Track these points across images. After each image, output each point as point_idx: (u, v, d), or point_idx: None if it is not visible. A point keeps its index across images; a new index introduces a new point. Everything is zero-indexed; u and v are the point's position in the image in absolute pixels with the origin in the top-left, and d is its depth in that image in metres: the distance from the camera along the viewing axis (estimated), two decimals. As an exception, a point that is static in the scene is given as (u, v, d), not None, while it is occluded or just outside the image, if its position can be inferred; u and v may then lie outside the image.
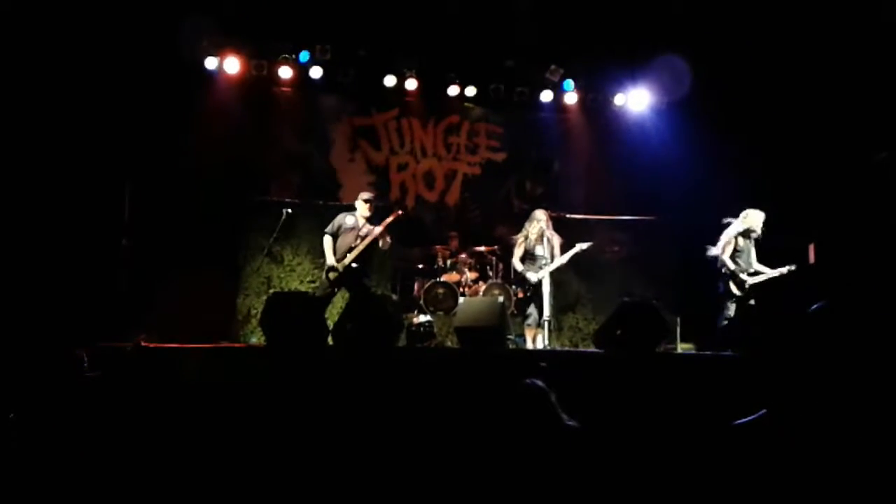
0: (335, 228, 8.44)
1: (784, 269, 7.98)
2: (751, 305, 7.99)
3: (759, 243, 8.14)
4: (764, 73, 9.44)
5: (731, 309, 8.03)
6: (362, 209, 8.45)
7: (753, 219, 8.08)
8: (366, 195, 8.55)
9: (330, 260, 8.34)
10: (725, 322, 8.05)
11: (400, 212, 8.56)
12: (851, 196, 8.97)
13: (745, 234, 8.09)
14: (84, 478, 3.89)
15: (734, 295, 8.00)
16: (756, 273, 8.04)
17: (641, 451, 3.80)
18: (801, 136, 9.36)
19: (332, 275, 8.31)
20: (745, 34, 9.19)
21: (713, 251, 8.14)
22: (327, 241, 8.42)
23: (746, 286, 7.96)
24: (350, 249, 8.28)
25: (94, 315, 7.47)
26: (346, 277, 8.30)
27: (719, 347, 7.77)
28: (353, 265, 8.26)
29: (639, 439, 3.84)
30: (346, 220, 8.44)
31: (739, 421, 2.61)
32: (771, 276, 7.98)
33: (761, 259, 8.16)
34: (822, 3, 8.62)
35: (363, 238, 8.28)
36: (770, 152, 9.53)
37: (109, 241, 8.65)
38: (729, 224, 8.14)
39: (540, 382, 3.72)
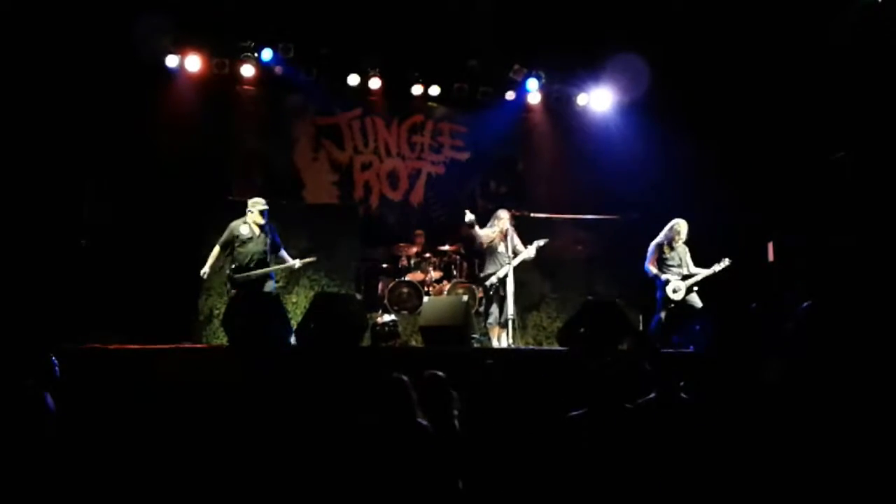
0: (230, 239, 7.93)
1: (717, 267, 8.27)
2: (691, 304, 8.22)
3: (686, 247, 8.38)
4: (724, 73, 9.57)
5: (663, 314, 8.30)
6: (255, 217, 7.89)
7: (676, 229, 8.32)
8: (260, 203, 7.94)
9: (206, 267, 7.93)
10: (656, 323, 8.34)
11: (315, 258, 8.36)
12: (809, 195, 9.12)
13: (669, 243, 8.33)
14: (60, 477, 3.85)
15: (671, 300, 8.23)
16: (690, 275, 8.28)
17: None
18: (761, 136, 9.51)
19: (232, 283, 7.89)
20: (707, 35, 9.30)
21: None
22: (216, 251, 7.95)
23: (679, 294, 8.20)
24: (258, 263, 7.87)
25: (53, 317, 7.35)
26: (249, 285, 7.84)
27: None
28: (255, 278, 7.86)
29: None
30: (241, 229, 7.90)
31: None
32: (705, 275, 8.26)
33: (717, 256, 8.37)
34: (780, 7, 8.75)
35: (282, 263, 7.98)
36: (730, 151, 9.68)
37: (68, 241, 8.51)
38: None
39: (405, 378, 3.74)
